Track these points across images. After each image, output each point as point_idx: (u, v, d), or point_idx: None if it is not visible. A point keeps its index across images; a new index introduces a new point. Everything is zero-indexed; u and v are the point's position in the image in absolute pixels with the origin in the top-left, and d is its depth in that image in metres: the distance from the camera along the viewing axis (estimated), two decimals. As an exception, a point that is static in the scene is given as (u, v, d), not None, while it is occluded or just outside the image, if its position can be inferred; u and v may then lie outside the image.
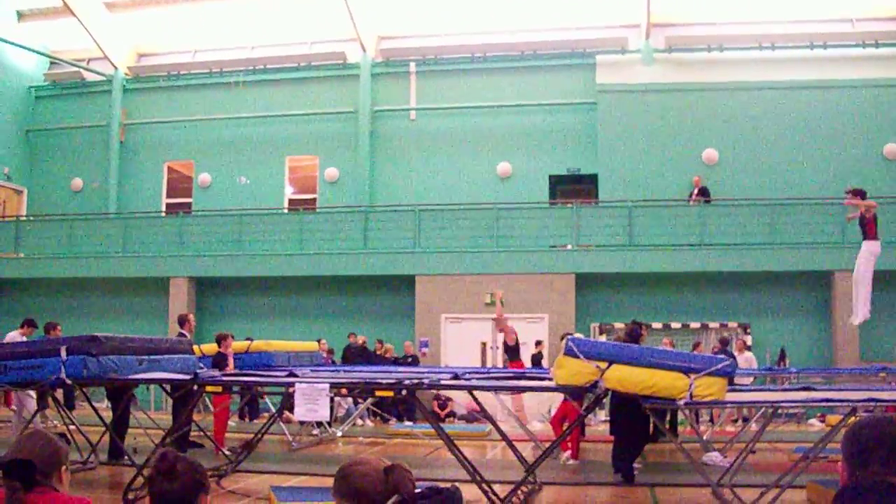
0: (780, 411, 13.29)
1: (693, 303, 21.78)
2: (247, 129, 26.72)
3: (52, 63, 28.93)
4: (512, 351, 17.64)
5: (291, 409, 10.21)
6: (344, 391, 15.27)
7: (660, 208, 22.53)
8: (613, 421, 12.55)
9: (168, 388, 13.17)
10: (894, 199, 21.70)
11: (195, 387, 11.02)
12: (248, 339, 16.69)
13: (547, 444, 11.38)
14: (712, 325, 21.47)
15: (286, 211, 25.86)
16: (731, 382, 10.09)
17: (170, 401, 14.56)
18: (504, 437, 11.18)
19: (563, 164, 24.94)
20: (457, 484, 3.25)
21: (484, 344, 21.86)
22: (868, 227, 14.07)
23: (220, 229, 24.13)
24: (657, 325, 21.05)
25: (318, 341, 19.11)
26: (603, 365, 8.82)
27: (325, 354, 19.19)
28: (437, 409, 20.17)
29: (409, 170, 25.55)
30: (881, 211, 21.30)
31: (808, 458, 9.33)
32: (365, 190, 25.37)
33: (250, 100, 26.69)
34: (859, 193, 14.28)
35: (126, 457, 11.13)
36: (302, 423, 15.61)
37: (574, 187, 25.22)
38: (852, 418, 8.75)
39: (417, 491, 3.10)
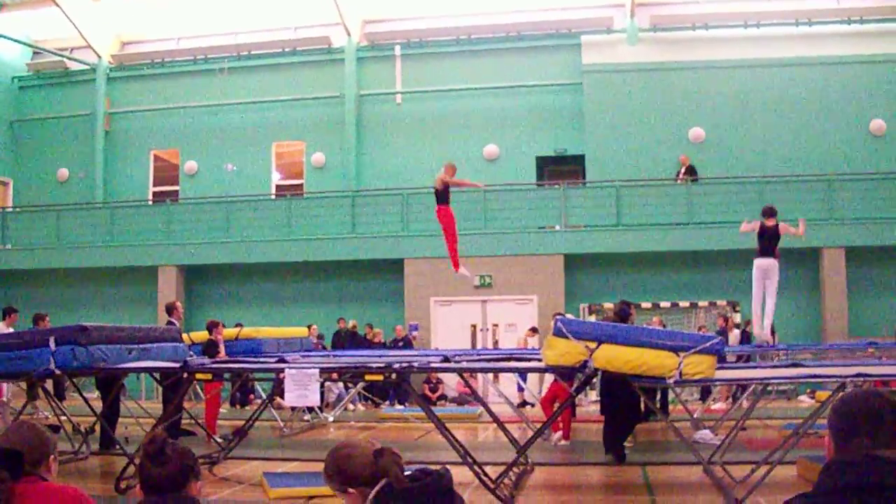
0: (769, 388, 13.35)
1: (682, 282, 21.83)
2: (232, 116, 26.62)
3: (34, 53, 28.76)
4: (441, 195, 16.11)
5: (282, 395, 10.20)
6: (334, 376, 15.34)
7: (647, 188, 22.56)
8: (604, 401, 12.59)
9: (158, 376, 13.16)
10: (881, 175, 21.80)
11: (185, 374, 11.01)
12: (238, 325, 16.66)
13: (538, 425, 11.40)
14: (701, 303, 21.53)
15: (273, 197, 25.80)
16: (722, 360, 10.13)
17: (160, 389, 14.55)
18: (495, 418, 11.20)
19: (550, 145, 24.92)
20: (448, 466, 3.25)
21: (474, 326, 21.89)
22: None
23: (207, 217, 24.08)
24: (646, 304, 21.09)
25: (309, 327, 19.11)
26: (592, 345, 8.82)
27: (315, 340, 19.20)
28: (427, 392, 20.19)
29: (396, 154, 25.50)
30: (869, 186, 21.51)
31: (798, 434, 9.37)
32: (352, 174, 25.32)
33: (235, 86, 26.58)
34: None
35: (117, 446, 11.11)
36: (293, 408, 15.62)
37: (561, 168, 25.19)
38: (841, 394, 8.79)
39: (407, 473, 3.11)
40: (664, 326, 18.24)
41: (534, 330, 19.46)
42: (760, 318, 14.81)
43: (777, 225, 14.59)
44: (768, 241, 14.56)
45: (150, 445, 3.16)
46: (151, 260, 23.65)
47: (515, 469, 9.85)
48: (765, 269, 14.53)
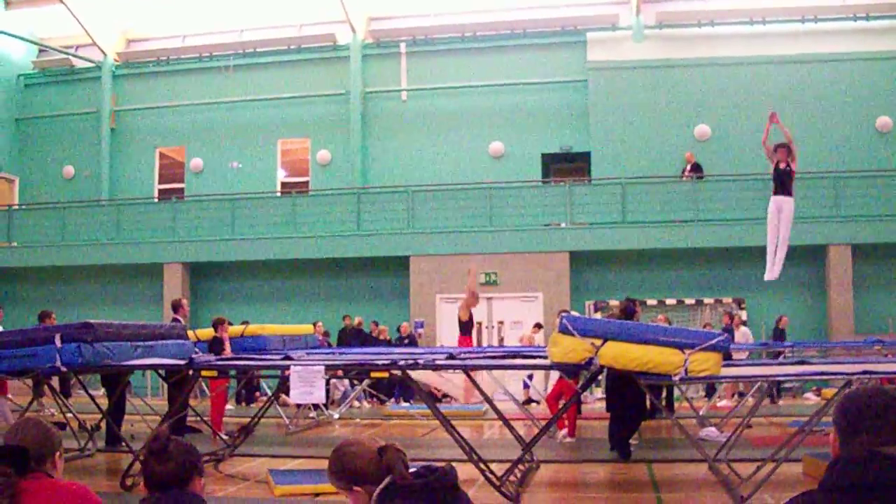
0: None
1: (687, 279, 21.81)
2: (238, 114, 26.64)
3: (40, 50, 28.80)
4: (464, 326, 16.81)
5: (287, 393, 10.21)
6: (339, 373, 15.36)
7: (653, 185, 22.52)
8: (609, 398, 12.57)
9: (163, 373, 13.17)
10: (887, 172, 21.75)
11: (190, 372, 11.03)
12: (243, 322, 16.66)
13: (543, 423, 11.39)
14: (707, 300, 21.51)
15: (279, 194, 25.80)
16: (728, 357, 10.12)
17: (166, 386, 14.57)
18: (500, 416, 11.19)
19: (556, 142, 24.91)
20: (453, 463, 3.25)
21: (479, 323, 21.85)
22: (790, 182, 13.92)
23: (213, 214, 24.10)
24: (652, 301, 21.08)
25: (314, 324, 19.12)
26: (598, 342, 8.80)
27: (320, 337, 19.21)
28: (433, 389, 20.17)
29: (402, 151, 25.50)
30: (875, 183, 21.47)
31: (804, 431, 9.36)
32: (357, 172, 25.32)
33: (241, 84, 26.59)
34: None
35: (123, 443, 11.12)
36: (298, 405, 15.63)
37: (567, 165, 25.20)
38: (846, 391, 8.77)
39: (412, 470, 3.11)
40: (669, 324, 18.21)
41: (538, 326, 19.46)
42: (772, 259, 14.35)
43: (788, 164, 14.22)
44: (779, 179, 14.17)
45: (154, 443, 3.17)
46: (157, 257, 23.68)
47: (521, 466, 9.84)
48: (779, 205, 14.09)
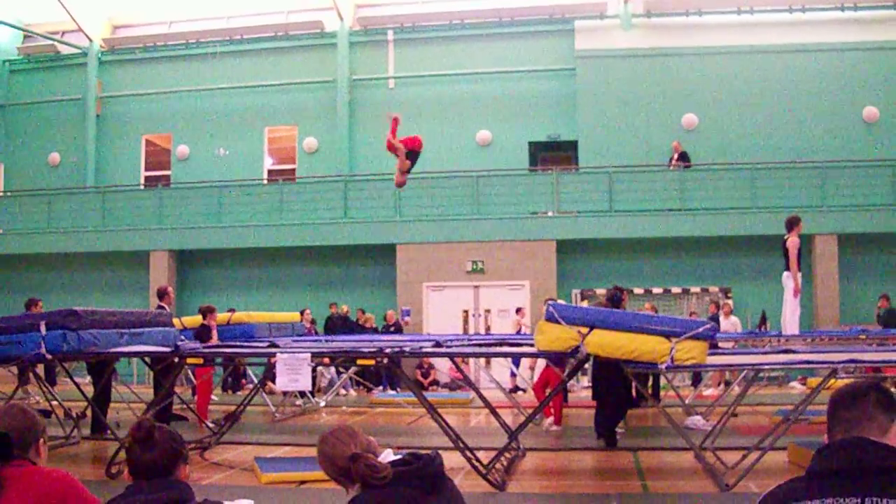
0: (761, 374, 13.39)
1: (674, 268, 21.85)
2: (225, 101, 26.53)
3: (25, 36, 28.61)
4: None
5: (274, 380, 10.19)
6: (326, 361, 15.34)
7: (640, 174, 22.53)
8: (596, 386, 12.59)
9: (149, 361, 13.14)
10: (873, 162, 21.81)
11: (176, 359, 10.99)
12: (230, 310, 16.62)
13: (530, 411, 11.40)
14: (693, 289, 21.57)
15: (265, 182, 25.72)
16: (713, 346, 10.14)
17: (151, 374, 14.53)
18: (487, 403, 11.20)
19: (543, 130, 24.88)
20: (439, 451, 3.25)
21: (466, 311, 21.90)
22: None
23: (199, 202, 24.00)
24: (639, 290, 21.12)
25: (301, 312, 19.09)
26: (584, 330, 8.81)
27: (307, 325, 19.18)
28: (419, 377, 20.20)
29: (389, 139, 25.39)
30: (861, 173, 21.53)
31: (790, 420, 9.39)
32: (344, 159, 25.26)
33: (228, 71, 26.48)
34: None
35: (108, 431, 11.09)
36: (285, 393, 15.61)
37: (554, 154, 25.17)
38: (833, 380, 8.80)
39: (398, 457, 3.11)
40: (656, 312, 18.25)
41: (519, 310, 19.47)
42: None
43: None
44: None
45: (138, 430, 3.15)
46: (143, 244, 23.59)
47: (507, 454, 9.86)
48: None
